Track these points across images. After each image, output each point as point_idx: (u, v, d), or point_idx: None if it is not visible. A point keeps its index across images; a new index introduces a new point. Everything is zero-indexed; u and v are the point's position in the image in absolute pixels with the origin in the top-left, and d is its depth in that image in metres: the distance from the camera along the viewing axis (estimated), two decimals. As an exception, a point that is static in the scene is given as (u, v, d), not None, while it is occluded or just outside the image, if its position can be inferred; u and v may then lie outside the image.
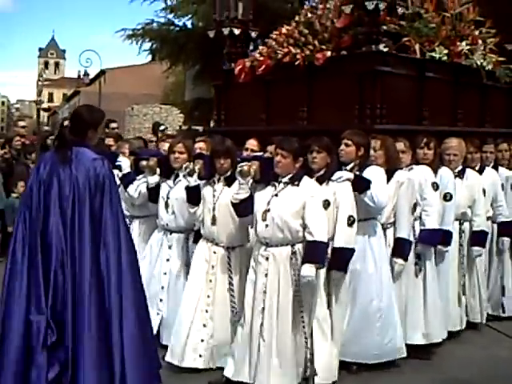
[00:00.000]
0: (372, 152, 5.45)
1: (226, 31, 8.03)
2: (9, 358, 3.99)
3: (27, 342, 4.01)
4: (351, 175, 5.10)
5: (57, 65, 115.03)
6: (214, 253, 5.33)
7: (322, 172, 5.09)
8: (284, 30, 7.33)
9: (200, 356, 5.22)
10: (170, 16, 18.48)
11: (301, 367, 4.84)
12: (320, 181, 5.03)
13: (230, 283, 5.25)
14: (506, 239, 6.59)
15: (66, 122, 4.52)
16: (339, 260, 4.97)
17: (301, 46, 6.89)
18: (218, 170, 5.38)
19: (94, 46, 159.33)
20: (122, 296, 4.10)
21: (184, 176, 5.56)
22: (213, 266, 5.31)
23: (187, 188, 5.42)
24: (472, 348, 5.97)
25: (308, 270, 4.65)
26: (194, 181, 5.38)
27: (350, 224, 4.98)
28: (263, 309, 4.79)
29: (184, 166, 5.50)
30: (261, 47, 7.34)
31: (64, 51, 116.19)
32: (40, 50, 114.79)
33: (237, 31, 8.01)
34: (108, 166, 4.23)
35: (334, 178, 5.08)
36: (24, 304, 4.08)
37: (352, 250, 5.00)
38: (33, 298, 4.07)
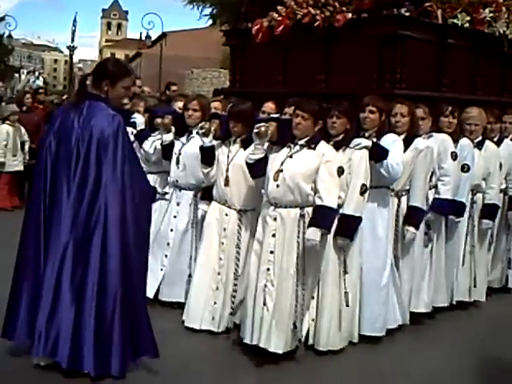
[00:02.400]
0: (399, 117, 5.36)
1: (243, -10, 7.90)
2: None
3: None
4: (369, 143, 4.99)
5: (119, 26, 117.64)
6: (226, 215, 5.30)
7: (339, 138, 5.00)
8: (303, -10, 7.18)
9: (213, 319, 5.23)
10: None
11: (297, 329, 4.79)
12: (337, 146, 4.94)
13: (238, 245, 5.22)
14: None
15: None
16: (346, 227, 4.89)
17: (320, 7, 6.75)
18: (231, 131, 5.33)
19: (156, 8, 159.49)
20: (118, 260, 4.07)
21: (198, 133, 5.48)
22: (224, 229, 5.29)
23: (201, 148, 5.37)
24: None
25: (313, 233, 4.60)
26: (209, 141, 5.32)
27: (362, 193, 4.89)
28: (268, 269, 4.75)
29: (200, 125, 5.38)
30: (279, 7, 7.16)
31: (127, 12, 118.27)
32: (103, 10, 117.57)
33: (255, -10, 7.86)
34: (118, 124, 4.08)
35: (351, 144, 4.98)
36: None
37: (360, 219, 4.93)
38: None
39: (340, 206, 4.86)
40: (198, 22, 28.41)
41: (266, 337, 4.68)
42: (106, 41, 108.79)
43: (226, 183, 5.28)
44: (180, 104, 6.37)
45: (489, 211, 6.19)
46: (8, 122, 10.22)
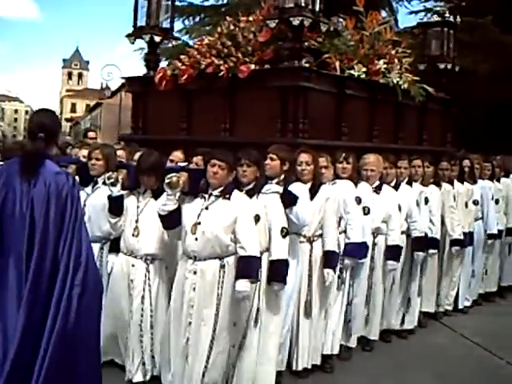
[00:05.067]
0: (304, 166, 5.53)
1: (146, 38, 7.94)
2: None
3: None
4: (280, 188, 5.12)
5: (80, 76, 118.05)
6: (133, 266, 5.23)
7: (251, 185, 5.07)
8: (206, 41, 7.31)
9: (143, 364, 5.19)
10: (185, 37, 18.80)
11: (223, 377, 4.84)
12: (250, 194, 5.01)
13: (143, 296, 5.18)
14: (421, 254, 6.81)
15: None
16: (279, 272, 4.99)
17: (223, 57, 6.89)
18: (142, 184, 5.31)
19: (118, 56, 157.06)
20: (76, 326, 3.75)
21: (104, 183, 5.39)
22: (132, 280, 5.22)
23: (110, 197, 5.30)
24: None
25: (243, 285, 4.64)
26: (117, 191, 5.26)
27: (284, 236, 5.02)
28: (190, 323, 4.76)
29: (107, 175, 5.32)
30: (182, 56, 7.26)
31: (88, 62, 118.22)
32: (64, 60, 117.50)
33: (157, 39, 7.94)
34: (72, 181, 3.90)
35: (263, 190, 5.09)
36: None
37: (287, 261, 5.04)
38: None
39: (261, 252, 4.91)
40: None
41: None
42: (67, 90, 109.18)
43: (136, 234, 5.22)
44: (84, 153, 6.27)
45: (392, 252, 6.40)
46: None
